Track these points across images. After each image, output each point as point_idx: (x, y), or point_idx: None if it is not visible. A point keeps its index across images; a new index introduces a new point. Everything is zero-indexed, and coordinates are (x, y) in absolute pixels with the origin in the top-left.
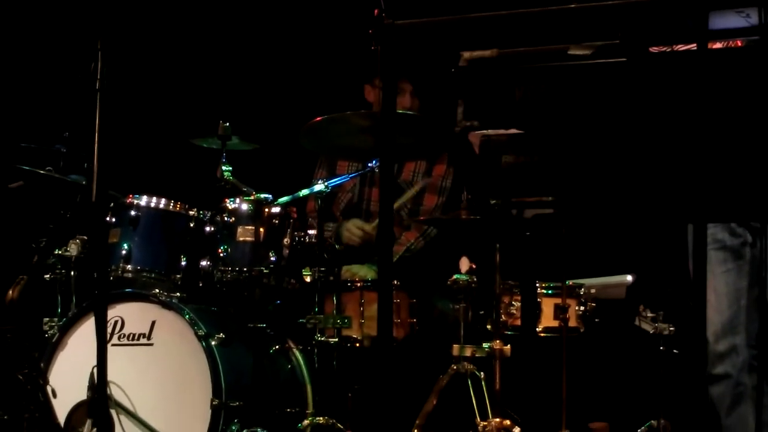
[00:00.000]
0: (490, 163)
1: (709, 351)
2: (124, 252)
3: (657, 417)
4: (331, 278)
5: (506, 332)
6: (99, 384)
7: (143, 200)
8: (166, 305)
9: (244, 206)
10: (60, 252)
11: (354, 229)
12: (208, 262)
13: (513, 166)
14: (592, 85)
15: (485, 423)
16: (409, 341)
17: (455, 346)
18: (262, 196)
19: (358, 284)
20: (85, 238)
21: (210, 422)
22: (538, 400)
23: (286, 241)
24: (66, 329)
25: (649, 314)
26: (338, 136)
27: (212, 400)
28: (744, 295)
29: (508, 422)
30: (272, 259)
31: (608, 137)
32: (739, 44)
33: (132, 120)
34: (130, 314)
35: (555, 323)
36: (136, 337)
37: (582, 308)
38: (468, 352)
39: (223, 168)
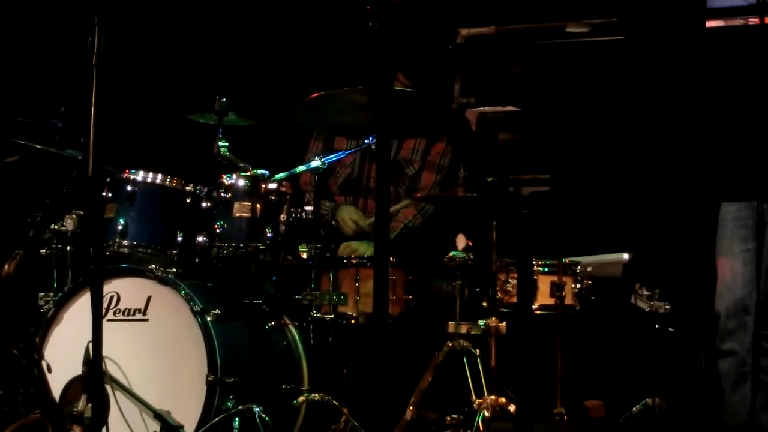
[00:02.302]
0: (486, 140)
1: (719, 326)
2: (120, 227)
3: (652, 395)
4: (328, 255)
5: (502, 309)
6: (94, 359)
7: (140, 175)
8: (162, 281)
9: (241, 182)
10: (56, 227)
11: (349, 221)
12: (205, 238)
13: (510, 143)
14: (590, 62)
15: (480, 400)
16: (405, 318)
17: (451, 323)
18: (259, 172)
19: (354, 261)
20: (81, 213)
21: (205, 398)
22: (534, 378)
23: (283, 217)
24: (61, 304)
25: (645, 292)
26: (335, 112)
27: (207, 376)
28: (763, 275)
29: (503, 400)
30: (269, 235)
31: (605, 115)
32: (739, 23)
33: (129, 95)
34: (125, 289)
35: (551, 301)
36: (131, 313)
37: (578, 286)
38: (464, 330)
39: (220, 144)
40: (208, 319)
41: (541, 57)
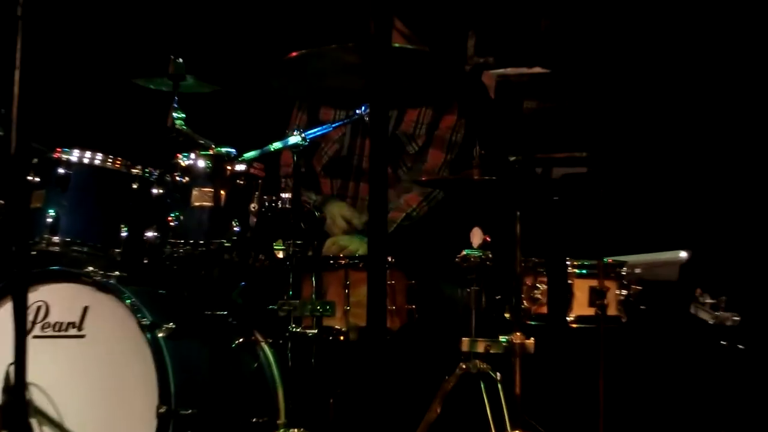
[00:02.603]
0: (508, 109)
1: None
2: (49, 220)
3: (717, 430)
4: (310, 253)
5: (529, 322)
6: (16, 386)
7: (74, 155)
8: (102, 287)
9: (201, 163)
10: None
11: (339, 219)
12: (156, 233)
13: (537, 113)
14: (642, 11)
15: None
16: (407, 333)
17: (465, 340)
18: (224, 150)
19: (343, 262)
20: (2, 202)
21: None
22: (569, 409)
23: (254, 206)
24: None
25: (708, 300)
26: (320, 75)
27: (159, 408)
28: None
29: None
30: (236, 229)
31: (657, 77)
32: None
33: (62, 54)
34: (56, 298)
35: (590, 311)
36: (63, 327)
37: (624, 292)
38: (481, 348)
39: (175, 115)
40: (160, 335)
41: (578, 5)
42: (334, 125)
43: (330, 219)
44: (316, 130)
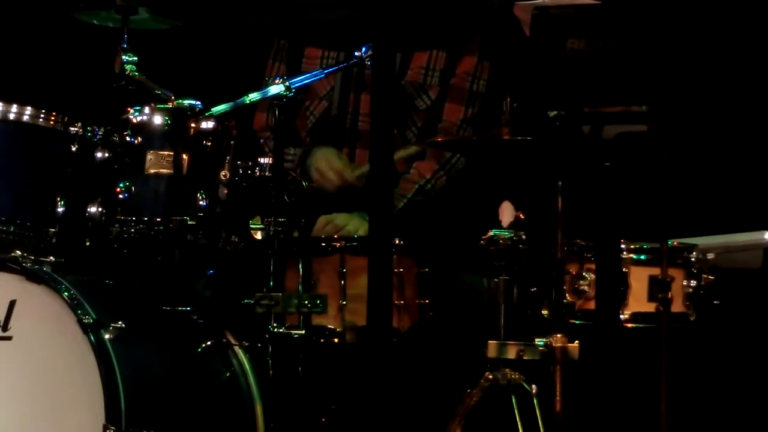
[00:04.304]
0: (547, 51)
1: None
2: None
3: None
4: (296, 234)
5: (572, 321)
6: None
7: None
8: (33, 276)
9: (158, 119)
10: None
11: (329, 171)
12: (100, 208)
13: (584, 55)
14: None
15: None
16: (418, 335)
17: (492, 344)
18: (186, 102)
19: (339, 245)
20: None
21: None
22: (622, 427)
23: (225, 174)
24: None
25: None
26: (306, 7)
27: (105, 428)
28: None
29: None
30: (202, 203)
31: (735, 13)
32: None
33: None
34: None
35: (650, 307)
36: None
37: (693, 283)
38: (512, 354)
39: (124, 58)
40: (107, 336)
41: None
42: (324, 72)
43: (317, 173)
44: (304, 76)
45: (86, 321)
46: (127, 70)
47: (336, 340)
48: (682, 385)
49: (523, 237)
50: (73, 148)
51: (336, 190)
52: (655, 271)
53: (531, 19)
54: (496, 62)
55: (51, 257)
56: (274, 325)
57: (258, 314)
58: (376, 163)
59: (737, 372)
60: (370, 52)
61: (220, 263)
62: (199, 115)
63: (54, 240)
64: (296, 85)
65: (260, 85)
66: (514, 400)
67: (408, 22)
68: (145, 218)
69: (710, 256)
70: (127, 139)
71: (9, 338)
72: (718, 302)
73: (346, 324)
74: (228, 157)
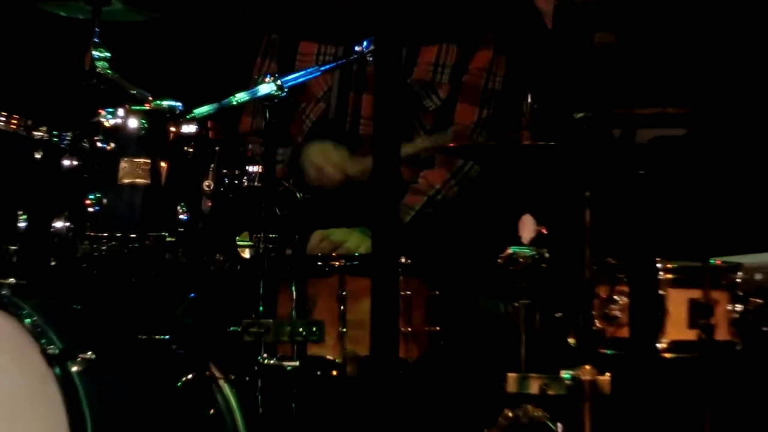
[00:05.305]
0: (572, 45)
1: None
2: None
3: None
4: (289, 252)
5: (603, 351)
6: None
7: None
8: None
9: (133, 122)
10: None
11: (328, 166)
12: (67, 223)
13: (614, 50)
14: None
15: None
16: (428, 367)
17: (511, 377)
18: (165, 104)
19: (338, 264)
20: None
21: None
22: None
23: (208, 185)
24: None
25: None
26: None
27: None
28: None
29: None
30: (182, 217)
31: None
32: None
33: None
34: None
35: (690, 335)
36: None
37: (738, 308)
38: (534, 388)
39: (96, 54)
40: (74, 369)
41: None
42: (321, 69)
43: (314, 170)
44: (298, 74)
45: (51, 351)
46: (98, 67)
47: (335, 373)
48: (727, 423)
49: (546, 255)
50: (37, 156)
51: (337, 186)
52: (696, 293)
53: (554, 9)
54: (514, 57)
55: (11, 279)
56: (265, 356)
57: (246, 344)
58: (379, 170)
59: None
60: (372, 47)
61: (203, 285)
62: (180, 117)
63: (15, 259)
64: (289, 84)
65: (248, 84)
66: None
67: (415, 13)
68: (118, 234)
69: (758, 276)
70: (98, 145)
71: None
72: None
73: (347, 354)
74: (212, 165)
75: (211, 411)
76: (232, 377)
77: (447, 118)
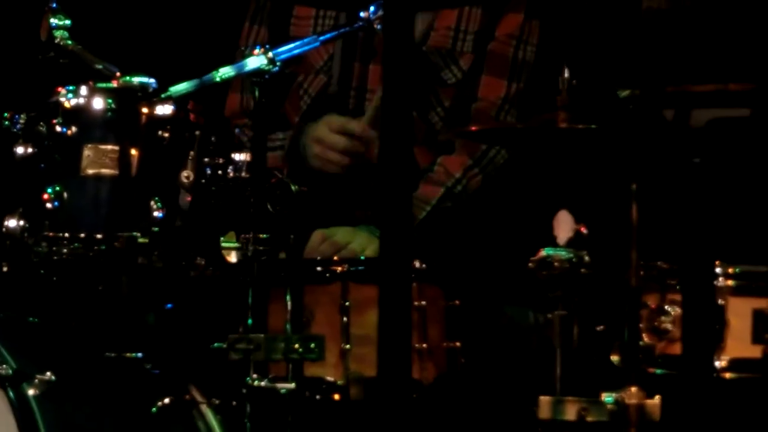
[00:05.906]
0: (617, 10)
1: None
2: None
3: None
4: (283, 255)
5: (651, 370)
6: None
7: None
8: None
9: (98, 103)
10: None
11: (331, 135)
12: (21, 222)
13: (666, 16)
14: None
15: None
16: (447, 388)
17: (544, 400)
18: (136, 81)
19: (340, 269)
20: None
21: None
22: None
23: (187, 176)
24: None
25: None
26: None
27: None
28: None
29: None
30: (157, 214)
31: None
32: None
33: None
34: None
35: (755, 351)
36: None
37: None
38: (571, 413)
39: (53, 22)
40: (30, 392)
41: None
42: (320, 39)
43: (318, 146)
44: (293, 45)
45: (3, 372)
46: (56, 37)
47: (337, 397)
48: None
49: (586, 258)
50: None
51: (346, 158)
52: (762, 303)
53: None
54: (548, 22)
55: None
56: (254, 376)
57: (232, 362)
58: (388, 155)
59: None
60: (380, 12)
61: (182, 294)
62: (153, 97)
63: None
64: (283, 56)
65: (234, 56)
66: None
67: None
68: (82, 235)
69: None
70: (58, 129)
71: None
72: None
73: (351, 375)
74: (192, 153)
75: None
76: (216, 402)
77: (469, 93)
